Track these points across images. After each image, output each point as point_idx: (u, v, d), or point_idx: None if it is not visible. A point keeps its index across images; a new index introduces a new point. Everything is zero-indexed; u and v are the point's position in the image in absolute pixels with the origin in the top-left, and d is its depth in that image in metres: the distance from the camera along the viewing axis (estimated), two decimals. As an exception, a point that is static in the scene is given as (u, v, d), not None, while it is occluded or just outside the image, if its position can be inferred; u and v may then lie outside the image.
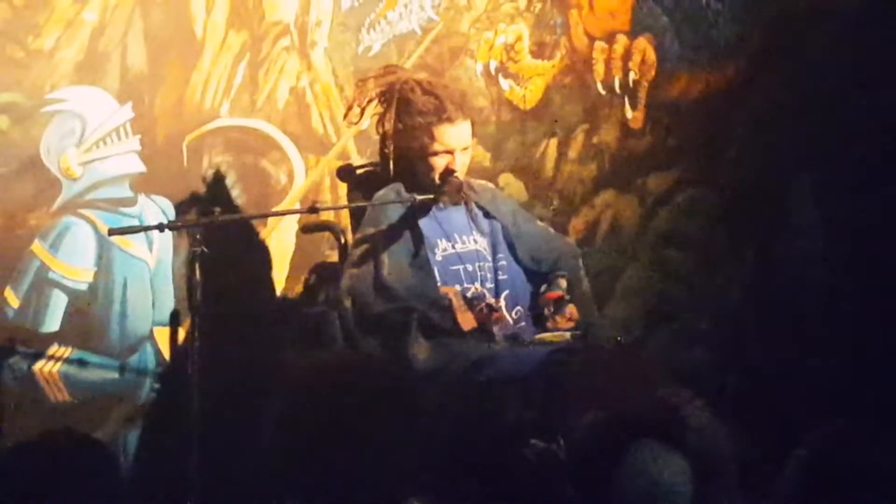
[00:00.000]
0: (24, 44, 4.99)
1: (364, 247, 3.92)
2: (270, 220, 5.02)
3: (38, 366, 4.87)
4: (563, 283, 3.97)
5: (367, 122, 4.20)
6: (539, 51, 4.75)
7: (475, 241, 3.99)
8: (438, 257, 3.92)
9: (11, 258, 4.91)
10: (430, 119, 3.90)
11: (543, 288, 3.98)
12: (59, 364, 4.87)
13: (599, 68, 4.58)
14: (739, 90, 4.25)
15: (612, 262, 4.50)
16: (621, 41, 4.53)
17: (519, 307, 3.95)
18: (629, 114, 4.51)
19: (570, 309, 3.90)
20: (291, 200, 5.05)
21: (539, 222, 4.24)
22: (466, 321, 3.78)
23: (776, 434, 3.23)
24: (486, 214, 4.04)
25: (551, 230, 4.25)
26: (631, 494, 2.65)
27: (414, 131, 3.92)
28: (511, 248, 4.03)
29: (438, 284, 3.86)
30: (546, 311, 3.90)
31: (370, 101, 4.01)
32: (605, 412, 2.90)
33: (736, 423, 3.83)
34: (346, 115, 4.13)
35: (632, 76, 4.49)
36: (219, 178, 4.94)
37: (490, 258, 3.98)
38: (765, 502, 2.63)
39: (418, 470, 2.46)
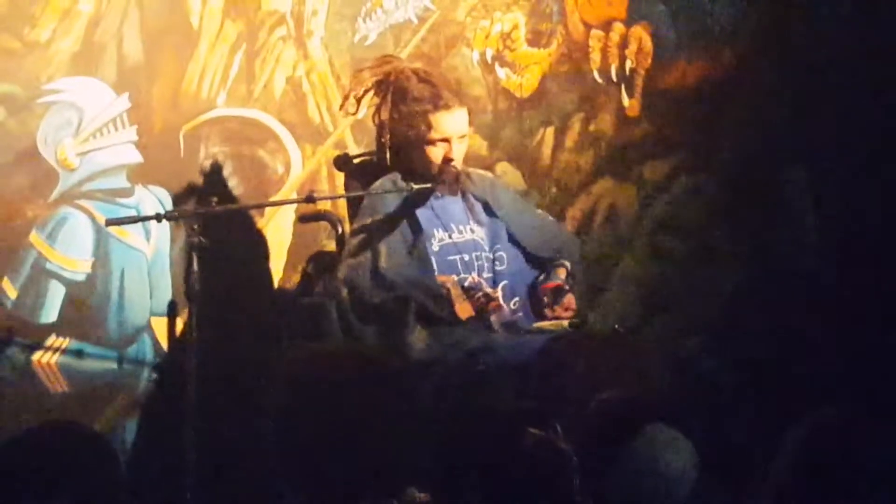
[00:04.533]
0: (20, 35, 4.99)
1: (361, 236, 3.92)
2: (268, 210, 5.02)
3: (36, 357, 4.87)
4: (563, 272, 3.98)
5: (364, 111, 4.20)
6: (535, 39, 4.74)
7: (472, 231, 3.99)
8: (435, 247, 3.92)
9: (9, 249, 4.91)
10: (427, 107, 3.90)
11: (542, 277, 3.99)
12: (57, 355, 4.87)
13: (596, 56, 4.58)
14: (736, 78, 4.25)
15: (608, 251, 4.50)
16: (618, 29, 4.52)
17: (517, 298, 3.95)
18: (626, 102, 4.51)
19: (569, 298, 3.90)
20: (288, 190, 5.05)
21: (539, 211, 4.24)
22: (464, 310, 3.79)
23: (770, 423, 3.24)
24: (486, 207, 4.04)
25: (550, 218, 4.26)
26: (636, 478, 2.66)
27: (411, 120, 3.92)
28: (511, 236, 4.03)
29: (436, 274, 3.86)
30: (545, 301, 3.91)
31: (366, 91, 4.01)
32: (610, 395, 2.91)
33: (731, 411, 3.85)
34: (342, 106, 4.13)
35: (628, 64, 4.49)
36: (216, 169, 4.93)
37: (488, 248, 3.98)
38: (758, 490, 2.63)
39: (416, 459, 2.46)
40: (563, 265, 4.00)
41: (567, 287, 3.93)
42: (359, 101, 4.03)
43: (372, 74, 4.00)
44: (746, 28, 4.23)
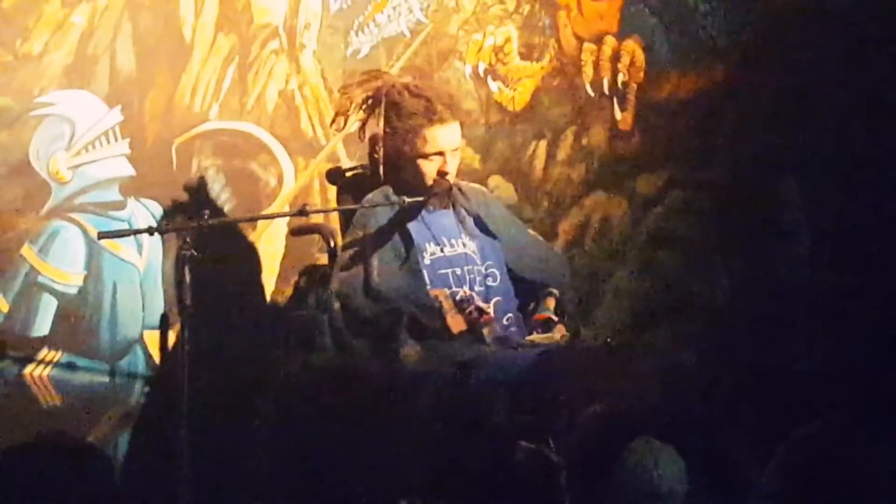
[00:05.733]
0: (12, 48, 4.99)
1: (353, 250, 3.92)
2: (260, 223, 5.02)
3: (28, 370, 4.86)
4: (552, 302, 3.96)
5: (356, 125, 4.20)
6: (528, 52, 4.75)
7: (464, 245, 3.99)
8: (427, 261, 3.92)
9: (0, 262, 4.90)
10: (421, 121, 3.90)
11: (532, 307, 3.98)
12: (49, 368, 4.87)
13: (588, 70, 4.58)
14: (728, 91, 4.25)
15: (601, 264, 4.51)
16: (610, 43, 4.53)
17: (510, 314, 3.95)
18: (618, 115, 4.52)
19: (559, 329, 3.90)
20: (281, 203, 5.05)
21: (531, 231, 4.23)
22: (456, 324, 3.79)
23: (763, 434, 3.24)
24: (478, 221, 4.04)
25: (542, 239, 4.25)
26: (628, 491, 2.66)
27: (405, 134, 3.92)
28: (501, 255, 4.03)
29: (428, 287, 3.86)
30: (536, 332, 3.90)
31: (356, 107, 4.00)
32: (602, 409, 2.91)
33: (724, 422, 3.84)
34: (332, 123, 4.13)
35: (620, 78, 4.49)
36: (208, 182, 4.93)
37: (479, 262, 3.98)
38: (751, 500, 2.64)
39: (408, 471, 2.47)
40: (552, 294, 3.99)
41: (556, 319, 3.92)
42: (346, 118, 4.02)
43: (362, 90, 4.00)
44: (739, 41, 4.24)
